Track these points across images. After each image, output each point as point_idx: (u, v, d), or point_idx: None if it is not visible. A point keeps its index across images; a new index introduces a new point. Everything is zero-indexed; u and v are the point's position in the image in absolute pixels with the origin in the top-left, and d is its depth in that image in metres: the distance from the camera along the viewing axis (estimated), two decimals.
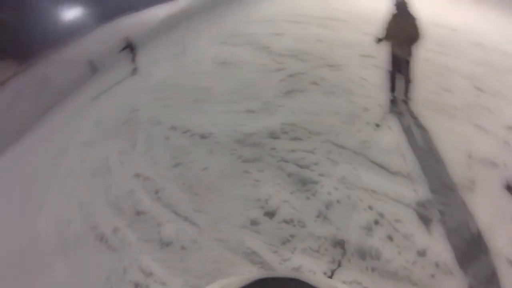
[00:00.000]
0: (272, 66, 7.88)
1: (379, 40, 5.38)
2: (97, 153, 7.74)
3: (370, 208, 4.23)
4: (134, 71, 12.64)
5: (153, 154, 6.66)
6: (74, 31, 32.65)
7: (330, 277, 3.67)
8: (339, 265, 3.78)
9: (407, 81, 5.43)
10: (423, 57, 5.75)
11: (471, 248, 3.74)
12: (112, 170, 6.84)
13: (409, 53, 5.11)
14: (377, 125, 5.31)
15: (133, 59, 12.91)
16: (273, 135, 5.74)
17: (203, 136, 6.47)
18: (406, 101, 5.55)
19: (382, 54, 5.57)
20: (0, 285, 5.69)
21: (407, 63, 5.24)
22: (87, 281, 4.92)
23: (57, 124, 12.75)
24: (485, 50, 6.83)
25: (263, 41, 9.26)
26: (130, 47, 12.97)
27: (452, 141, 4.89)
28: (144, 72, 11.37)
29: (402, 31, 5.02)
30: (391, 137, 5.12)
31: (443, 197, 4.22)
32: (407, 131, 5.17)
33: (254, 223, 4.56)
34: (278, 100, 6.57)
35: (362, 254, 3.82)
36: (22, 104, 21.53)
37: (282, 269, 3.93)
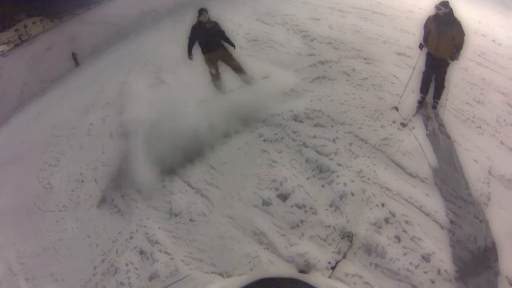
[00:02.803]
0: (304, 50, 7.77)
1: (422, 46, 5.33)
2: (117, 116, 7.69)
3: (383, 205, 4.28)
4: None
5: (172, 123, 6.53)
6: None
7: (334, 267, 3.75)
8: (344, 257, 3.85)
9: (440, 85, 5.35)
10: (460, 65, 5.66)
11: (475, 262, 3.80)
12: (130, 135, 6.69)
13: (451, 56, 5.02)
14: (403, 125, 5.27)
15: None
16: (297, 118, 5.73)
17: None
18: (435, 106, 5.48)
19: (418, 54, 5.49)
20: (10, 234, 5.83)
21: (446, 66, 5.17)
22: (93, 242, 5.04)
23: (83, 82, 12.71)
24: None
25: (299, 24, 9.06)
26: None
27: (475, 153, 4.86)
28: (175, 39, 11.10)
29: (444, 34, 4.94)
30: (413, 139, 5.10)
31: (455, 207, 4.25)
32: (431, 135, 5.14)
33: (266, 203, 4.63)
34: (306, 84, 6.51)
35: (368, 249, 3.89)
36: (51, 57, 21.71)
37: (284, 266, 3.98)
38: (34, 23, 31.83)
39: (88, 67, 15.56)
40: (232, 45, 6.16)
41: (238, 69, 6.38)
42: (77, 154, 7.09)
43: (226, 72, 6.46)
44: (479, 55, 6.92)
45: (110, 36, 20.68)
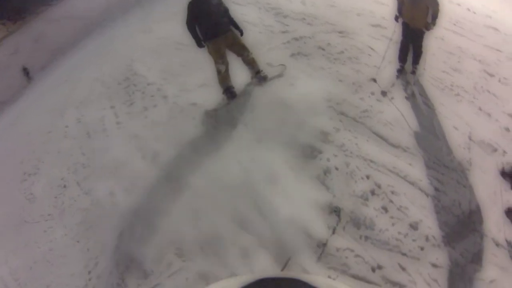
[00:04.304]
0: (277, 28, 7.60)
1: (397, 18, 5.31)
2: (93, 113, 7.35)
3: (368, 177, 4.26)
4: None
5: (151, 114, 6.40)
6: None
7: (325, 244, 3.73)
8: (334, 232, 3.83)
9: (418, 52, 5.37)
10: (437, 34, 5.70)
11: (460, 226, 3.87)
12: (108, 132, 6.57)
13: (426, 25, 5.02)
14: (383, 93, 5.26)
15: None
16: None
17: None
18: (414, 71, 5.50)
19: (394, 25, 5.46)
20: (0, 251, 5.50)
21: (422, 35, 5.18)
22: (83, 246, 4.84)
23: (55, 83, 12.18)
24: (500, 37, 6.72)
25: (270, 1, 8.84)
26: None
27: (454, 121, 4.91)
28: (145, 29, 10.75)
29: (418, 4, 4.93)
30: (393, 109, 5.09)
31: (439, 174, 4.30)
32: (410, 104, 5.15)
33: None
34: (281, 62, 6.36)
35: (357, 223, 3.87)
36: (18, 62, 20.85)
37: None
38: None
39: (58, 67, 15.01)
40: (240, 30, 4.97)
41: (251, 62, 5.17)
42: (56, 159, 6.74)
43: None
44: (455, 24, 6.94)
45: (77, 32, 19.92)
